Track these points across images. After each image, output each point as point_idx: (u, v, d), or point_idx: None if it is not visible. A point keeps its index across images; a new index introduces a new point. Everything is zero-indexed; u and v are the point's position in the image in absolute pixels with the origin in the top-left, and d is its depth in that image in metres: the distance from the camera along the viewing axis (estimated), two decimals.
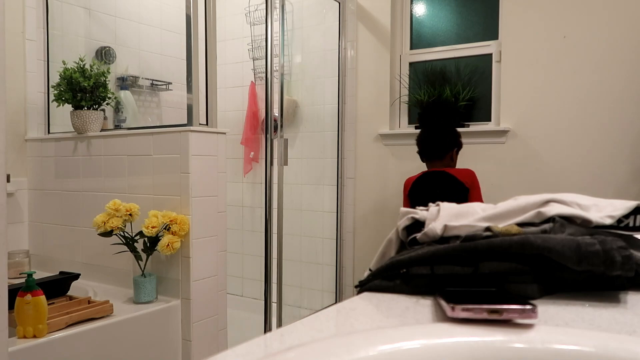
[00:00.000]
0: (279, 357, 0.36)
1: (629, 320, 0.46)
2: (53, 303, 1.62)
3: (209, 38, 1.90)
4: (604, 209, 0.61)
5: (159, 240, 1.75)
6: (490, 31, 2.59)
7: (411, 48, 2.82)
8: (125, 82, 2.56)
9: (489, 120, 2.59)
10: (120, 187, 2.01)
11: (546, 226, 0.59)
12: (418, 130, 2.31)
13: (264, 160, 2.37)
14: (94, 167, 2.09)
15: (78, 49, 2.44)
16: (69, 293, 1.77)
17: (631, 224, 0.58)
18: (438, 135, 2.20)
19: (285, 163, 2.37)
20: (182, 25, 1.86)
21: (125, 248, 1.81)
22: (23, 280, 1.47)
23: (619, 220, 0.58)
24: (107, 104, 2.21)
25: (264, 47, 2.60)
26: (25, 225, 2.34)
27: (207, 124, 1.93)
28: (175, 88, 2.83)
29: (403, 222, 0.66)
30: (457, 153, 2.23)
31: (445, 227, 0.61)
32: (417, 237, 0.63)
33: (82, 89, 2.06)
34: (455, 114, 2.53)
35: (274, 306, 2.39)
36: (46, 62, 2.37)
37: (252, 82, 3.13)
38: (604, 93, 2.28)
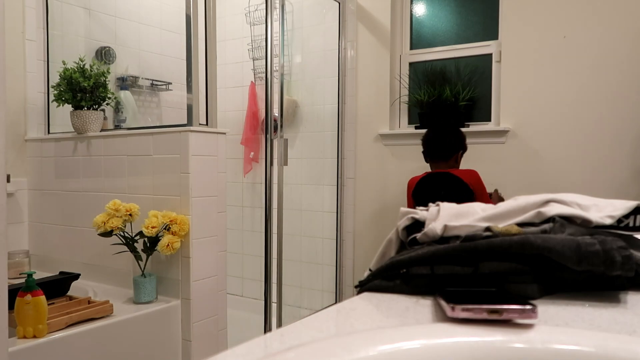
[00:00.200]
0: (279, 357, 0.36)
1: (629, 320, 0.46)
2: (53, 303, 1.62)
3: (209, 38, 1.90)
4: (604, 209, 0.61)
5: (159, 240, 1.75)
6: (490, 31, 2.59)
7: (411, 48, 2.82)
8: (125, 82, 2.56)
9: (489, 120, 2.59)
10: (120, 187, 2.00)
11: (546, 226, 0.59)
12: (418, 131, 2.31)
13: (264, 160, 2.37)
14: (94, 167, 2.09)
15: (78, 49, 2.44)
16: (69, 293, 1.77)
17: (631, 224, 0.58)
18: (446, 137, 2.19)
19: (285, 163, 2.37)
20: (182, 25, 1.86)
21: (125, 248, 1.81)
22: (23, 280, 1.47)
23: (619, 220, 0.58)
24: (107, 104, 2.21)
25: (264, 47, 2.60)
26: (25, 226, 2.34)
27: (207, 124, 1.93)
28: (175, 88, 2.83)
29: (403, 222, 0.66)
30: (462, 155, 2.22)
31: (445, 227, 0.61)
32: (417, 237, 0.63)
33: (82, 89, 2.06)
34: (459, 115, 2.53)
35: (274, 306, 2.39)
36: (46, 62, 2.37)
37: (252, 82, 3.13)
38: (604, 93, 2.28)
